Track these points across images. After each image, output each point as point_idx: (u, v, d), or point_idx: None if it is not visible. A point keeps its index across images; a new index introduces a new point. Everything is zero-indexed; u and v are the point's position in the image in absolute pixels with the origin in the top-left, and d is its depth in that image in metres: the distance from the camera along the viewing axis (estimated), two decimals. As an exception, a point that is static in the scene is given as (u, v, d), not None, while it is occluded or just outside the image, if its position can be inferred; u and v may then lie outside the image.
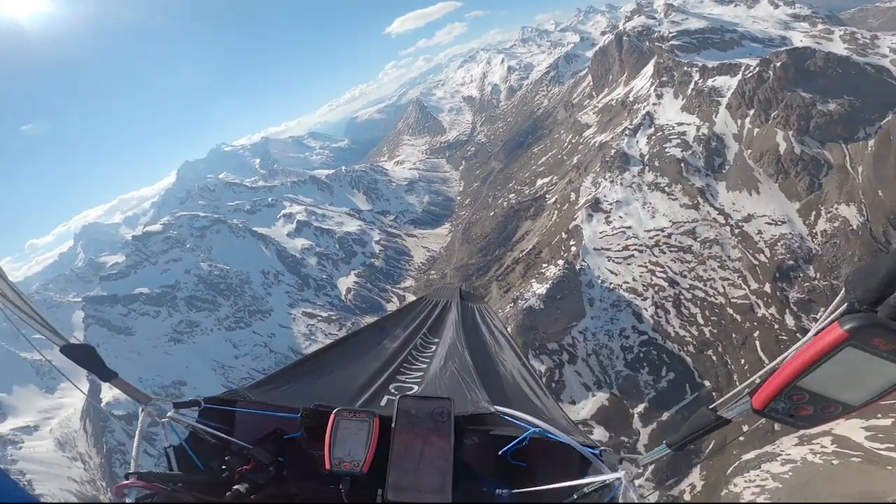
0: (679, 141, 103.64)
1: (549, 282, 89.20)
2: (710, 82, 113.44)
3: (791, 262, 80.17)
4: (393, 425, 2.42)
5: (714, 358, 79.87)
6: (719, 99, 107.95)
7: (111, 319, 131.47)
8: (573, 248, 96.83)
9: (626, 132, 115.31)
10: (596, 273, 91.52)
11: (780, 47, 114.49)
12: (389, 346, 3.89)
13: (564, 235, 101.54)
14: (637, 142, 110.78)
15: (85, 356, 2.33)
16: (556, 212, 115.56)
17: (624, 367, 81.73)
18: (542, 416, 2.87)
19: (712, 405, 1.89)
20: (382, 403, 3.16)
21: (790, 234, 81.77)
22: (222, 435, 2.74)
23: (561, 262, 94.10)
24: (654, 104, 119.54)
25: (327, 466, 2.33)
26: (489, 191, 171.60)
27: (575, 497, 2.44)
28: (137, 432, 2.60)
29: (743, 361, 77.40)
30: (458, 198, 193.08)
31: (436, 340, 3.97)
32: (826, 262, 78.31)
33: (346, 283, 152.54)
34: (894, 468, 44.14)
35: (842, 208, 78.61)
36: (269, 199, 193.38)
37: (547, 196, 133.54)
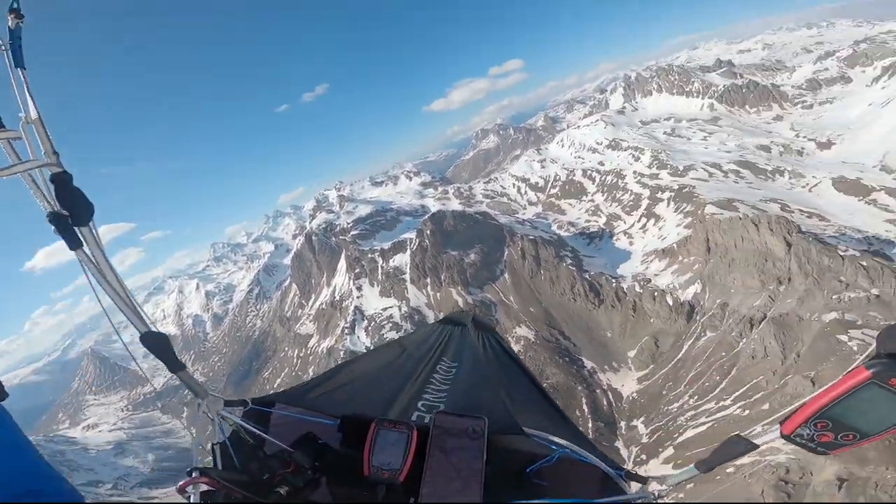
0: (390, 325, 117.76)
1: None
2: (391, 263, 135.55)
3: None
4: (430, 438, 2.54)
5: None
6: (403, 276, 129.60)
7: None
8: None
9: (346, 331, 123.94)
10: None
11: (424, 215, 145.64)
12: (411, 364, 3.96)
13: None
14: (358, 337, 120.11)
15: (161, 346, 2.40)
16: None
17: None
18: (567, 438, 3.01)
19: (744, 433, 2.04)
20: (413, 418, 3.19)
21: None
22: (264, 436, 2.81)
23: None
24: (357, 297, 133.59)
25: (365, 473, 2.39)
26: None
27: None
28: (196, 427, 2.67)
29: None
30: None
31: (455, 364, 4.05)
32: (534, 368, 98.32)
33: None
34: (722, 477, 48.45)
35: (518, 330, 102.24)
36: None
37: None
